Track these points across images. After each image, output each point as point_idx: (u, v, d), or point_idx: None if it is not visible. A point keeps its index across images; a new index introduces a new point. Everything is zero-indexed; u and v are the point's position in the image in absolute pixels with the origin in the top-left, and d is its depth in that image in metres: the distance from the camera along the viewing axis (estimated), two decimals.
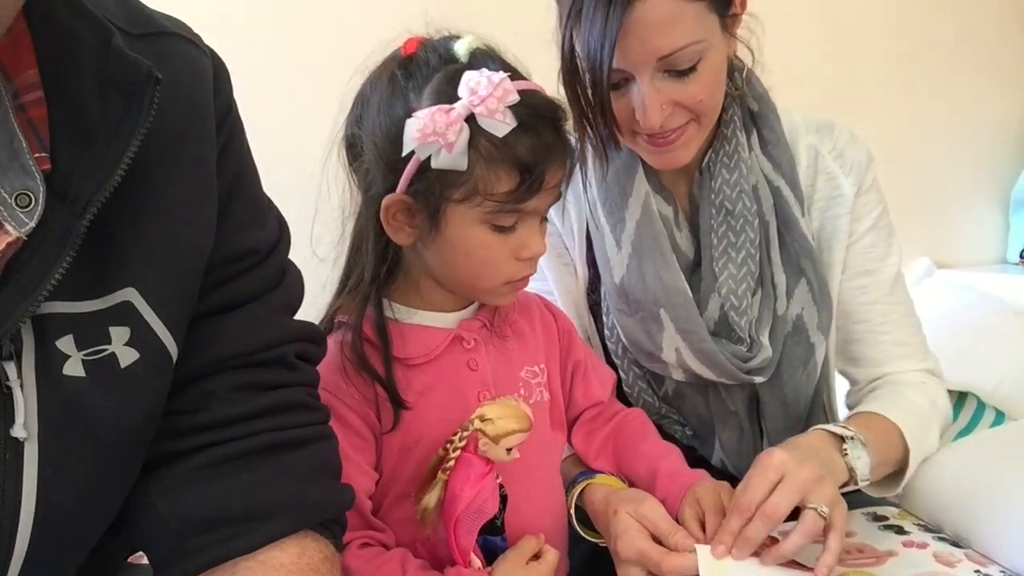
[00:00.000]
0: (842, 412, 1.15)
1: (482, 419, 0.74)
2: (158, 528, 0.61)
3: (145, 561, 0.67)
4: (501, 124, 0.72)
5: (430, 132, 0.72)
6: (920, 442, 0.99)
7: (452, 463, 0.75)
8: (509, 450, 0.75)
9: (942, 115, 2.27)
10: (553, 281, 1.12)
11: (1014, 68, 2.36)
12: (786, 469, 0.81)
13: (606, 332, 1.08)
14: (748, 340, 1.01)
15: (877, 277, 1.08)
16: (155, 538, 0.63)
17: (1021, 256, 2.27)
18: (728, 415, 1.04)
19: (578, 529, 0.94)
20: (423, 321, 0.84)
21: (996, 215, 2.39)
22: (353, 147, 0.81)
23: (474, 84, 0.73)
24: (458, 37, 0.78)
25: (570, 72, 0.94)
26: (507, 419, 0.74)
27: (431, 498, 0.75)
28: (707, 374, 1.01)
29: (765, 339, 1.01)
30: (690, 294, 1.00)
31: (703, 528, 0.84)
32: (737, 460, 1.05)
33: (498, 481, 0.77)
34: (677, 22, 0.89)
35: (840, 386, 1.17)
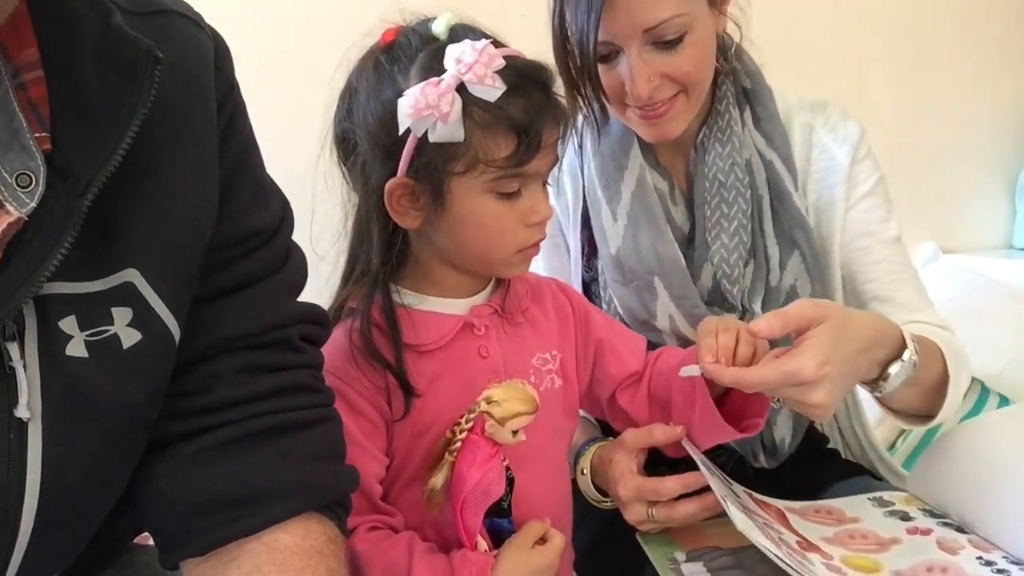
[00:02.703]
0: None
1: (488, 401, 0.74)
2: (163, 509, 0.62)
3: (151, 542, 0.67)
4: (491, 89, 0.72)
5: (423, 106, 0.72)
6: (958, 371, 0.97)
7: (459, 445, 0.75)
8: (515, 432, 0.75)
9: (949, 100, 2.26)
10: (543, 261, 1.15)
11: (1019, 55, 2.35)
12: (814, 381, 0.78)
13: (603, 306, 1.09)
14: (741, 308, 1.03)
15: (879, 237, 1.09)
16: (160, 519, 0.63)
17: None
18: None
19: (589, 499, 0.96)
20: (433, 307, 0.83)
21: (1003, 200, 2.38)
22: (345, 142, 0.81)
23: (458, 54, 0.73)
24: (434, 18, 0.78)
25: (560, 45, 0.97)
26: (513, 401, 0.74)
27: (438, 480, 0.75)
28: None
29: (758, 307, 1.03)
30: (683, 263, 1.03)
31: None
32: None
33: (505, 464, 0.77)
34: None
35: None
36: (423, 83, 0.73)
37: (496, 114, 0.73)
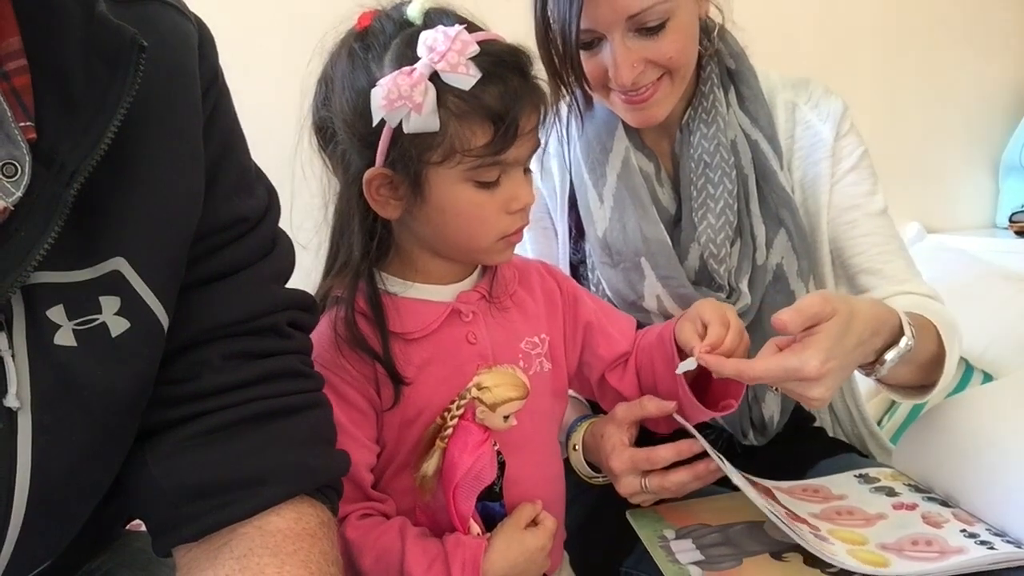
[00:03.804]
0: None
1: (479, 387, 0.74)
2: (155, 496, 0.62)
3: (143, 528, 0.68)
4: (465, 77, 0.71)
5: (396, 97, 0.71)
6: (952, 346, 0.98)
7: (450, 431, 0.75)
8: (506, 418, 0.75)
9: (932, 81, 2.27)
10: (531, 244, 1.15)
11: (1003, 34, 2.36)
12: (816, 378, 0.79)
13: (591, 288, 1.10)
14: (728, 288, 1.04)
15: (865, 210, 1.10)
16: (152, 506, 0.63)
17: (1010, 220, 2.27)
18: None
19: (581, 475, 0.97)
20: (419, 295, 0.83)
21: (986, 180, 2.39)
22: (324, 130, 0.80)
23: (431, 41, 0.71)
24: (409, 1, 0.77)
25: (543, 33, 0.97)
26: (504, 387, 0.74)
27: (429, 466, 0.75)
28: None
29: (744, 287, 1.04)
30: (670, 243, 1.04)
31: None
32: None
33: (496, 448, 0.77)
34: None
35: None
36: (396, 73, 0.71)
37: (471, 102, 0.72)
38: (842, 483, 1.00)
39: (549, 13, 0.95)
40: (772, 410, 1.07)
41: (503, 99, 0.73)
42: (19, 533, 0.56)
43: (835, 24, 2.10)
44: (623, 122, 1.07)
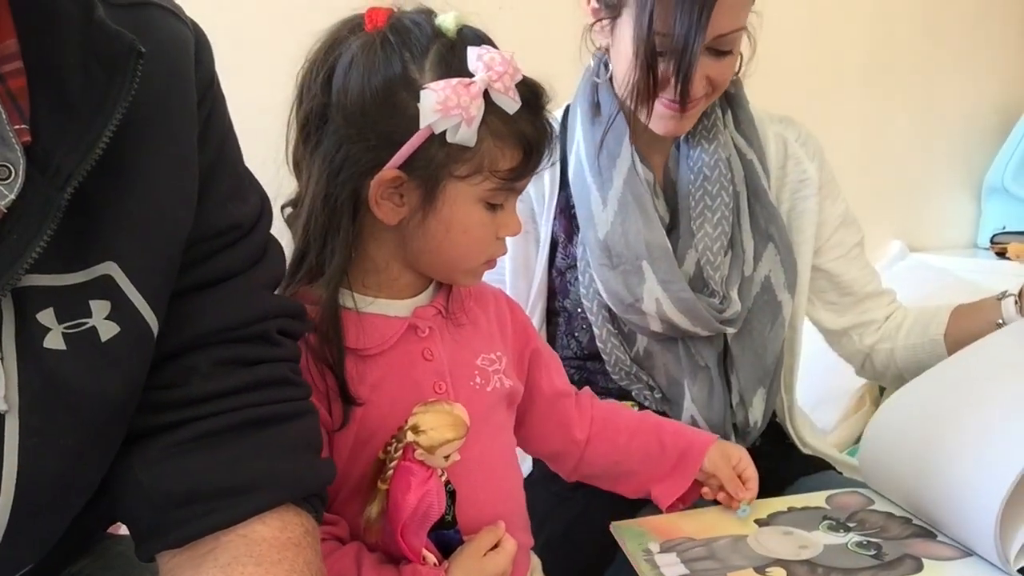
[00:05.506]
0: (809, 373, 1.29)
1: (415, 430, 0.72)
2: (140, 501, 0.61)
3: (124, 531, 0.67)
4: (512, 101, 0.73)
5: (454, 105, 0.70)
6: None
7: (391, 472, 0.73)
8: (447, 457, 0.73)
9: (918, 102, 2.30)
10: (511, 248, 1.15)
11: (987, 56, 2.39)
12: None
13: (581, 290, 1.12)
14: (721, 294, 1.09)
15: (860, 245, 1.25)
16: (137, 511, 0.63)
17: (992, 241, 2.30)
18: (698, 370, 1.10)
19: None
20: (378, 310, 0.80)
21: (968, 200, 2.42)
22: (316, 119, 0.76)
23: (488, 59, 0.72)
24: (430, 9, 0.76)
25: (645, 39, 1.01)
26: (441, 428, 0.72)
27: (372, 509, 0.73)
28: (684, 323, 1.07)
29: (734, 294, 1.09)
30: (670, 248, 1.08)
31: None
32: (707, 413, 1.10)
33: (443, 479, 0.74)
34: (744, 6, 1.01)
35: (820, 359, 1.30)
36: (453, 81, 0.71)
37: (510, 126, 0.74)
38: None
39: (667, 21, 0.98)
40: (756, 415, 1.10)
41: (535, 128, 0.76)
42: (4, 535, 0.55)
43: (822, 46, 2.13)
44: (629, 131, 1.10)
